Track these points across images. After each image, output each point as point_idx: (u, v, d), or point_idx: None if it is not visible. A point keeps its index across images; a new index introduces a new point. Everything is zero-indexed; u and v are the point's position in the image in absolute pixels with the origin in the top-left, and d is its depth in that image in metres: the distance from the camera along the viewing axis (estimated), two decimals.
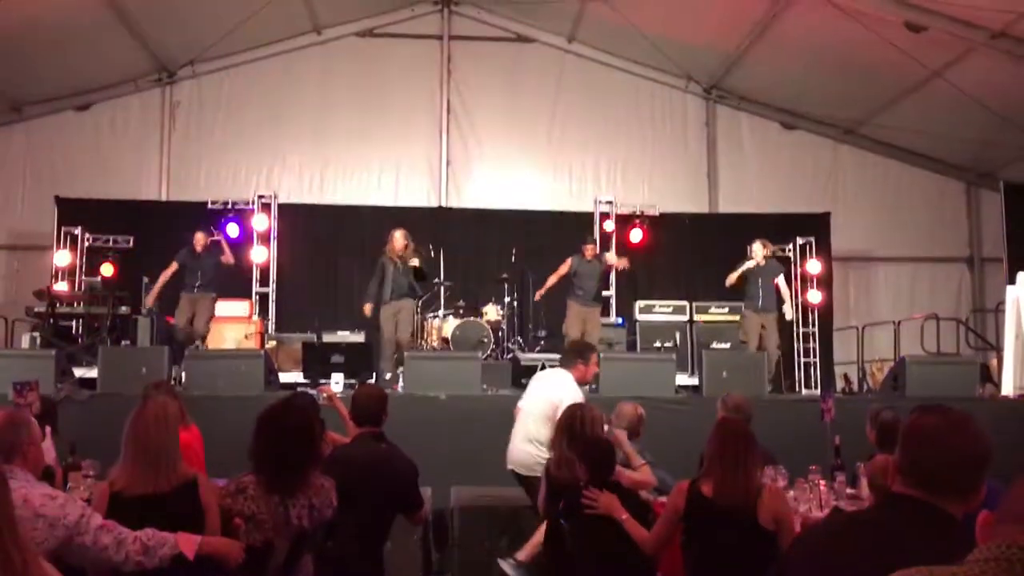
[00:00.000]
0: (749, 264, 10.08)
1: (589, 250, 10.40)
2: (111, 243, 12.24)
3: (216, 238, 10.96)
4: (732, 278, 10.17)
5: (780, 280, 10.36)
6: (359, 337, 10.36)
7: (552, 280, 10.35)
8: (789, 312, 10.55)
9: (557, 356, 9.04)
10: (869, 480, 3.43)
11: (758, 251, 10.18)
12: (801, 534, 2.57)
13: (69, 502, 3.09)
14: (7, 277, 12.87)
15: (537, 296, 10.54)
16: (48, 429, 4.65)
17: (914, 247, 13.81)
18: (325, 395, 5.24)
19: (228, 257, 10.47)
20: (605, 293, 12.56)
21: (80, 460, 4.59)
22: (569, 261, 10.31)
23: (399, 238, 9.94)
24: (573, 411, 4.77)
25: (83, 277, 12.06)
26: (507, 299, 11.59)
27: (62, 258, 12.01)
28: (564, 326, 10.24)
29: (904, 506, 1.89)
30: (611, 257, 10.78)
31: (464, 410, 7.85)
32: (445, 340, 10.91)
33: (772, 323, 10.11)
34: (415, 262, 9.95)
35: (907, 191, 13.95)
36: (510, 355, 10.68)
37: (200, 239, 10.43)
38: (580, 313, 10.16)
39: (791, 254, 12.94)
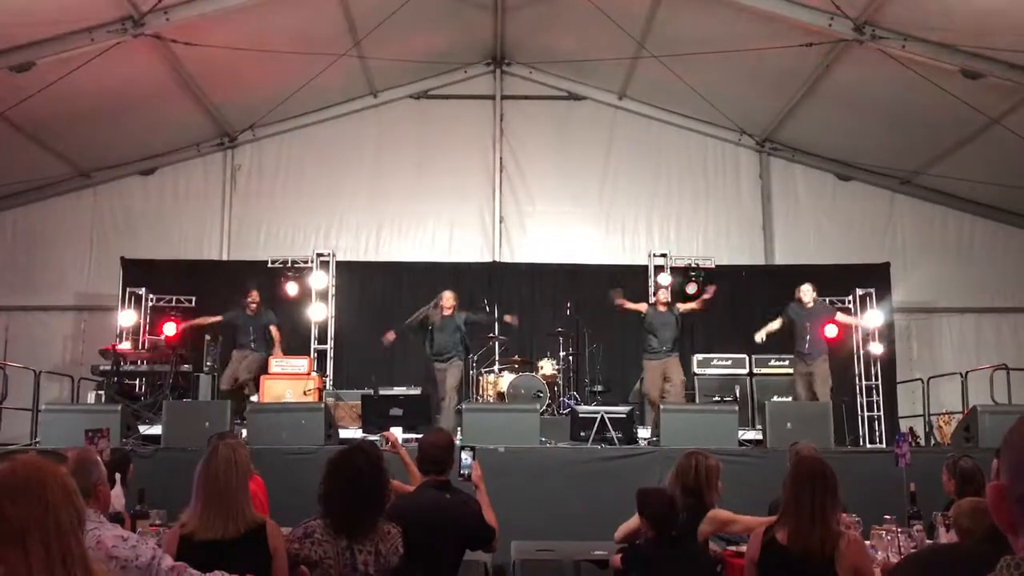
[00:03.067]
0: (774, 326, 10.00)
1: (661, 299, 10.32)
2: (174, 302, 12.52)
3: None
4: (761, 335, 10.05)
5: (839, 317, 10.16)
6: (416, 390, 10.38)
7: (628, 306, 10.26)
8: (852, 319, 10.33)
9: (616, 409, 9.00)
10: (955, 521, 3.30)
11: (807, 292, 10.02)
12: (898, 564, 2.46)
13: (141, 544, 3.10)
14: (74, 337, 13.20)
15: (619, 302, 10.37)
16: (118, 477, 4.71)
17: (978, 297, 13.48)
18: (388, 442, 5.21)
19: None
20: None
21: (148, 509, 4.63)
22: (644, 307, 10.23)
23: (449, 298, 10.11)
24: (689, 459, 4.69)
25: (146, 336, 12.32)
26: (562, 353, 11.56)
27: (126, 318, 12.30)
28: (643, 387, 10.10)
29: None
30: (686, 305, 10.60)
31: (523, 463, 7.79)
32: (500, 395, 10.88)
33: (821, 369, 9.86)
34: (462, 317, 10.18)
35: (968, 240, 13.68)
36: (566, 409, 10.60)
37: (254, 297, 10.94)
38: (657, 367, 10.05)
39: (851, 305, 12.73)
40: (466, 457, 4.52)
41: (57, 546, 1.68)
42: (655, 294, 10.35)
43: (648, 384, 10.14)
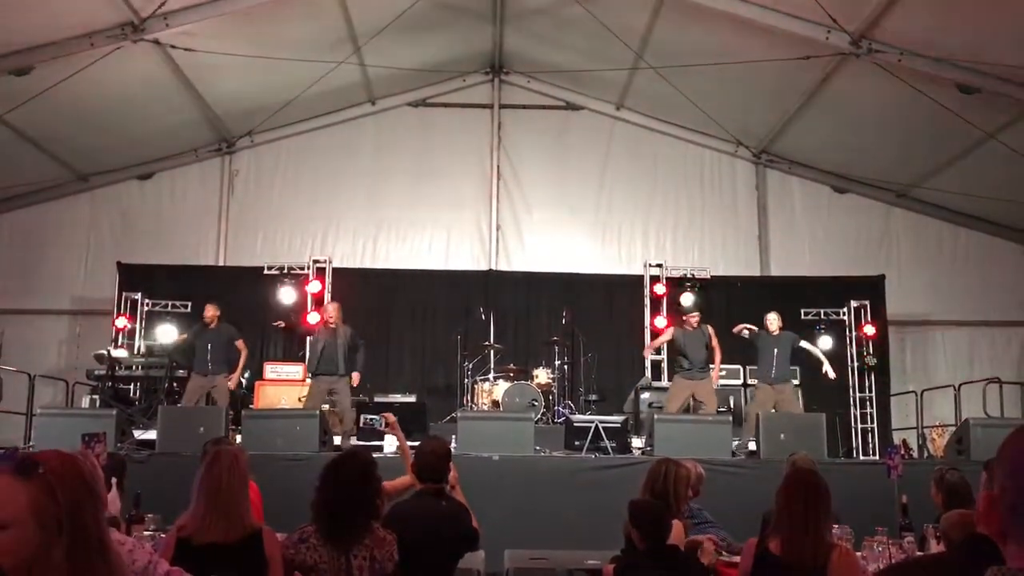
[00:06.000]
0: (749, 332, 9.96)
1: (692, 320, 10.08)
2: (170, 307, 12.51)
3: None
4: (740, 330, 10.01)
5: (804, 345, 10.14)
6: (411, 398, 10.40)
7: (655, 343, 10.15)
8: (830, 371, 10.24)
9: (610, 418, 9.02)
10: (944, 533, 3.33)
11: (774, 321, 10.00)
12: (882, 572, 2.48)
13: (137, 548, 3.10)
14: (69, 341, 13.19)
15: (646, 352, 10.24)
16: (115, 481, 4.72)
17: (972, 310, 13.52)
18: (387, 423, 5.27)
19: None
20: (655, 357, 12.51)
21: (143, 514, 4.64)
22: (671, 332, 10.15)
23: (332, 310, 9.82)
24: (660, 466, 4.71)
25: (142, 341, 12.31)
26: (557, 362, 11.58)
27: (122, 322, 12.29)
28: (667, 400, 9.97)
29: (987, 546, 1.77)
30: (713, 336, 10.07)
31: (517, 471, 7.80)
32: (495, 403, 10.90)
33: (789, 393, 9.83)
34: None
35: (963, 254, 13.74)
36: (561, 418, 10.62)
37: (209, 311, 10.03)
38: (686, 386, 9.84)
39: (845, 318, 12.78)
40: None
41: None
42: (684, 315, 10.21)
43: (671, 398, 9.85)
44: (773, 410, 9.53)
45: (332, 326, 9.67)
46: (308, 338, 10.13)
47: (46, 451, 1.75)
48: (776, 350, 9.84)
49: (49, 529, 1.64)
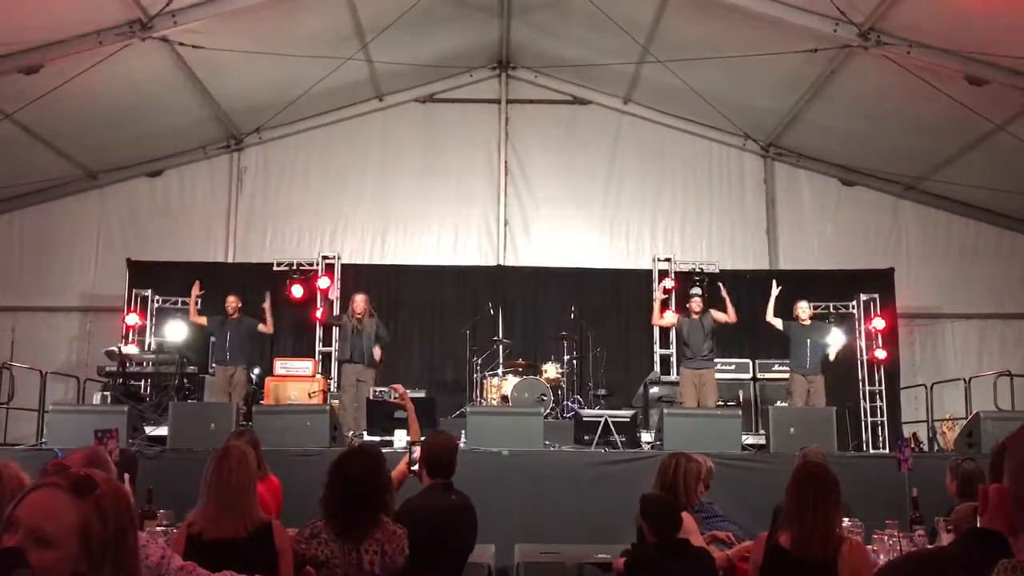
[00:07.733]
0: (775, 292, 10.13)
1: (693, 306, 10.18)
2: (179, 304, 12.55)
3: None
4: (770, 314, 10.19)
5: (834, 332, 10.26)
6: (420, 393, 10.42)
7: (662, 320, 10.37)
8: (832, 354, 10.34)
9: (619, 412, 9.03)
10: (956, 526, 3.32)
11: (805, 309, 10.09)
12: (880, 569, 2.45)
13: (150, 543, 3.12)
14: (80, 338, 13.24)
15: (654, 321, 10.51)
16: (127, 477, 4.74)
17: (982, 303, 13.47)
18: (397, 393, 5.30)
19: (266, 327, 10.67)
20: (663, 351, 12.52)
21: (156, 510, 4.67)
22: (676, 319, 10.18)
23: (360, 301, 10.30)
24: (671, 459, 4.73)
25: (152, 337, 12.35)
26: (566, 357, 11.59)
27: (133, 319, 12.34)
28: (679, 394, 10.09)
29: (995, 539, 1.75)
30: (720, 315, 10.19)
31: (527, 466, 7.82)
32: (504, 398, 10.92)
33: (819, 385, 9.99)
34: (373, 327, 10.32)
35: (972, 246, 13.68)
36: (570, 413, 10.64)
37: (231, 303, 10.65)
38: (692, 377, 9.93)
39: (855, 311, 12.75)
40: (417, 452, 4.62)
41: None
42: (688, 303, 10.32)
43: (683, 393, 10.01)
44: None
45: (359, 317, 10.24)
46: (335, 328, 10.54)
47: (92, 470, 1.68)
48: (808, 340, 9.98)
49: (92, 553, 1.57)
